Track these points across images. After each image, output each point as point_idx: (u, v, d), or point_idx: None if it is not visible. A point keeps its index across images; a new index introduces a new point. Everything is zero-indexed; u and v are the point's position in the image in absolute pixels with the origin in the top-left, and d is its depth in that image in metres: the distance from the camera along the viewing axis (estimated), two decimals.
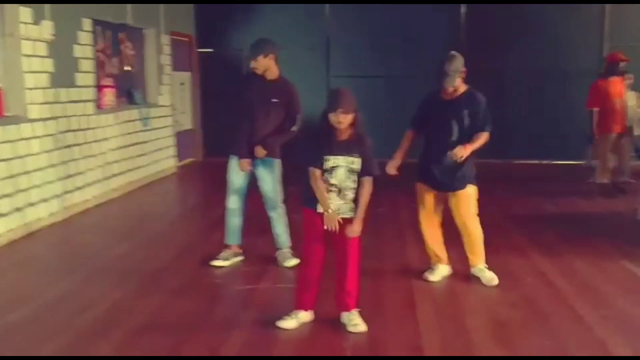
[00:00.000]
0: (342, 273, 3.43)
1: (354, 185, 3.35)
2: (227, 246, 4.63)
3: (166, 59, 8.75)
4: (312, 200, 3.37)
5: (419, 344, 3.28)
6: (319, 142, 3.35)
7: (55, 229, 5.76)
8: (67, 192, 6.17)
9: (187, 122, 9.77)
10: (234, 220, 4.59)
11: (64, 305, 3.86)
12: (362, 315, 3.47)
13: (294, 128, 4.41)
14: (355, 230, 3.34)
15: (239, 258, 4.64)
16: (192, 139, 9.94)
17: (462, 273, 4.31)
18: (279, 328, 3.41)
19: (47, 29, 5.80)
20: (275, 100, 4.37)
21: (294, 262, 4.43)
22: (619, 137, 7.06)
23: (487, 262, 4.28)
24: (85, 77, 6.58)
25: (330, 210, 3.30)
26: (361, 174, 3.36)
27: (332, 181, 3.33)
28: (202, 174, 9.36)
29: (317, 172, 3.33)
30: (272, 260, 4.60)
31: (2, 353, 3.20)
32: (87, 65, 6.63)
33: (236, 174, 4.50)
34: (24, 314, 3.69)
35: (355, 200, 3.37)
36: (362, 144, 3.34)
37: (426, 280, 4.21)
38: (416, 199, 4.27)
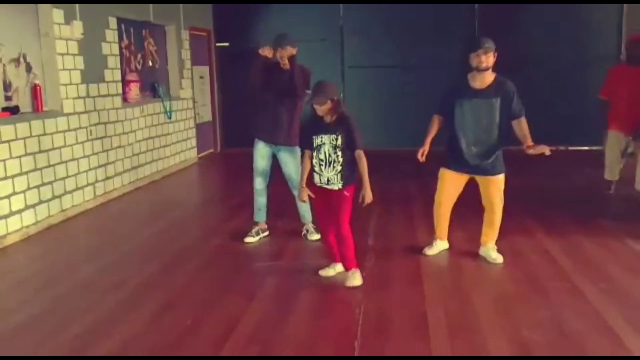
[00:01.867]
0: (338, 237, 4.02)
1: (340, 159, 3.90)
2: (255, 223, 5.16)
3: (186, 54, 9.10)
4: (310, 178, 4.05)
5: (424, 312, 3.60)
6: (309, 126, 4.01)
7: (89, 215, 6.18)
8: (98, 181, 6.58)
9: (206, 114, 10.14)
10: (261, 199, 5.12)
11: (99, 282, 4.27)
12: (369, 287, 3.94)
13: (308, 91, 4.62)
14: (368, 195, 3.91)
15: (266, 234, 5.19)
16: (211, 130, 10.31)
17: (468, 252, 4.64)
18: (319, 275, 4.21)
19: (77, 28, 6.17)
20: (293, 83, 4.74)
21: (315, 236, 5.00)
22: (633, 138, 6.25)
23: (499, 244, 4.57)
24: (113, 72, 6.96)
25: (301, 186, 4.07)
26: (351, 149, 3.89)
27: (320, 156, 3.93)
28: (221, 164, 9.73)
29: (307, 152, 4.02)
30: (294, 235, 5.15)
31: (52, 322, 3.59)
32: (114, 61, 7.00)
33: (261, 158, 5.02)
34: (66, 288, 4.10)
35: (348, 174, 3.94)
36: (344, 123, 3.90)
37: (425, 255, 4.59)
38: (439, 183, 4.52)
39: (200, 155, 9.64)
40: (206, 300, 3.90)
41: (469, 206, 4.77)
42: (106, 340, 3.34)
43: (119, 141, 7.06)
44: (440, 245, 4.67)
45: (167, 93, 8.45)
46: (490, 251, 4.51)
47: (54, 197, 5.78)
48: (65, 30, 6.01)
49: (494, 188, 4.38)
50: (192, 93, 9.33)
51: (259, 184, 5.09)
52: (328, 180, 3.94)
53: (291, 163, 4.94)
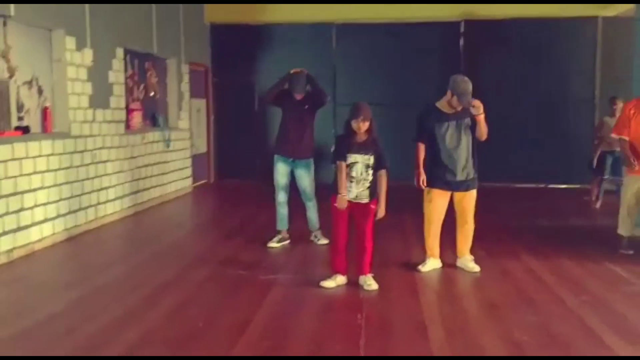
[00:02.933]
0: (361, 245, 4.36)
1: (370, 177, 4.28)
2: (278, 231, 5.77)
3: (185, 87, 9.46)
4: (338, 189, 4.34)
5: (422, 318, 3.86)
6: (344, 142, 4.33)
7: (89, 235, 6.35)
8: (100, 203, 6.78)
9: (202, 146, 10.43)
10: (283, 210, 5.73)
11: (111, 289, 4.48)
12: (369, 297, 4.25)
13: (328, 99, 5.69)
14: (381, 211, 4.32)
15: (287, 241, 5.76)
16: (206, 162, 10.59)
17: (454, 266, 5.01)
18: (321, 287, 4.41)
19: (87, 56, 6.50)
20: (307, 106, 5.60)
21: (324, 241, 5.60)
22: None
23: (483, 264, 4.95)
24: (118, 100, 7.27)
25: (342, 194, 4.29)
26: (377, 168, 4.29)
27: (352, 174, 4.29)
28: (216, 194, 9.97)
29: (343, 164, 4.29)
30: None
31: (93, 311, 3.77)
32: (119, 89, 7.32)
33: (281, 176, 5.70)
34: (87, 289, 4.30)
35: (374, 189, 4.32)
36: (376, 145, 4.30)
37: (419, 272, 4.88)
38: (425, 203, 4.91)
39: (194, 185, 9.88)
40: (219, 302, 4.16)
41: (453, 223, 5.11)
42: (126, 334, 3.54)
43: (121, 166, 7.30)
44: (433, 262, 4.97)
45: (166, 123, 8.76)
46: (468, 262, 4.92)
47: (58, 216, 5.96)
48: (76, 57, 6.33)
49: (470, 203, 4.86)
50: (190, 124, 9.65)
51: (281, 197, 5.73)
52: (356, 195, 4.32)
53: (306, 177, 5.65)
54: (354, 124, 4.24)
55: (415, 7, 9.82)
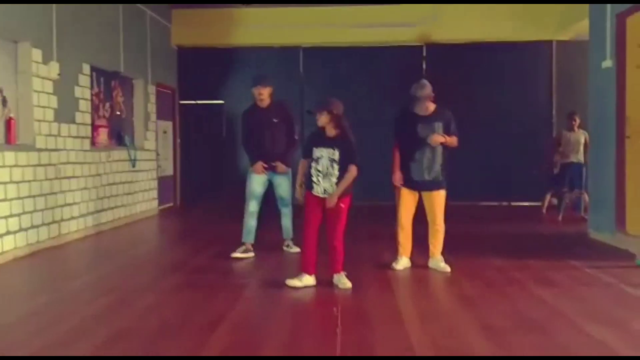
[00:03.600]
0: (331, 244, 4.34)
1: (336, 172, 4.28)
2: (243, 243, 5.59)
3: (152, 107, 9.42)
4: (309, 185, 4.36)
5: (397, 308, 3.89)
6: (312, 138, 4.40)
7: (53, 250, 6.16)
8: (64, 219, 6.61)
9: (168, 168, 10.34)
10: (252, 222, 5.60)
11: (81, 294, 4.33)
12: (344, 292, 4.23)
13: (296, 136, 5.66)
14: (331, 201, 4.27)
15: (252, 254, 5.58)
16: (172, 185, 10.48)
17: (426, 266, 5.09)
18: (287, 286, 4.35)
19: (54, 69, 6.43)
20: (275, 120, 5.52)
21: (296, 249, 5.49)
22: None
23: (452, 263, 5.03)
24: (83, 115, 7.18)
25: (299, 186, 4.46)
26: (346, 163, 4.29)
27: (319, 167, 4.31)
28: (183, 216, 9.82)
29: (304, 162, 4.41)
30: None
31: (62, 314, 3.62)
32: (85, 105, 7.24)
33: (257, 184, 5.58)
34: (44, 301, 4.15)
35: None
36: (344, 141, 4.32)
37: (393, 269, 4.96)
38: (398, 202, 5.05)
39: (160, 208, 9.73)
40: (191, 304, 4.08)
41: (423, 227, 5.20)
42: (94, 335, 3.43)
43: (85, 183, 7.16)
44: (405, 261, 5.04)
45: (132, 142, 8.67)
46: (439, 262, 5.02)
47: (20, 230, 5.78)
48: (42, 69, 6.26)
49: (438, 202, 4.97)
50: (156, 145, 9.57)
51: (253, 206, 5.59)
52: (324, 190, 4.32)
53: (285, 184, 5.61)
54: (316, 117, 4.34)
55: (380, 32, 10.13)
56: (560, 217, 8.21)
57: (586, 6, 7.12)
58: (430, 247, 5.06)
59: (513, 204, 10.29)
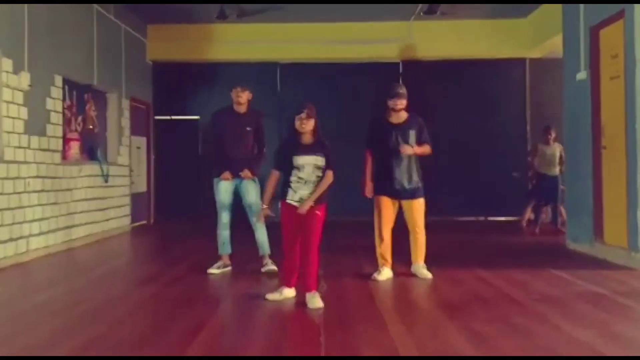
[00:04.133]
0: (305, 257, 4.08)
1: (317, 179, 4.10)
2: (219, 257, 5.37)
3: (126, 122, 9.25)
4: (284, 193, 4.13)
5: (380, 314, 3.80)
6: (287, 148, 4.15)
7: (21, 266, 5.91)
8: (32, 235, 6.37)
9: (141, 185, 10.13)
10: (225, 232, 5.39)
11: (53, 304, 4.13)
12: (327, 302, 4.05)
13: (265, 149, 5.38)
14: (302, 207, 4.03)
15: (229, 268, 5.38)
16: (146, 202, 10.26)
17: (407, 274, 5.04)
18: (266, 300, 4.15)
19: (25, 79, 6.26)
20: (248, 128, 5.31)
21: (274, 267, 5.22)
22: None
23: (434, 272, 5.00)
24: (55, 128, 6.99)
25: (265, 206, 4.27)
26: (325, 168, 4.13)
27: (302, 175, 4.08)
28: (156, 234, 9.59)
29: (277, 173, 4.20)
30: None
31: (34, 323, 3.42)
32: (57, 118, 7.06)
33: (225, 193, 5.33)
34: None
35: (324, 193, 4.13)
36: (324, 146, 4.15)
37: (374, 280, 4.87)
38: (375, 211, 4.98)
39: (133, 225, 9.50)
40: (168, 312, 3.93)
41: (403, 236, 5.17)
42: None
43: (56, 197, 6.94)
44: (387, 272, 4.97)
45: (104, 157, 8.48)
46: (421, 269, 4.99)
47: None
48: (12, 80, 6.09)
49: (418, 210, 4.95)
50: (130, 161, 9.38)
51: (225, 217, 5.37)
52: (301, 198, 4.06)
53: (254, 191, 5.34)
54: (296, 122, 4.07)
55: (357, 48, 10.19)
56: (537, 230, 8.25)
57: (558, 23, 7.26)
58: (412, 254, 5.03)
59: (490, 218, 10.33)
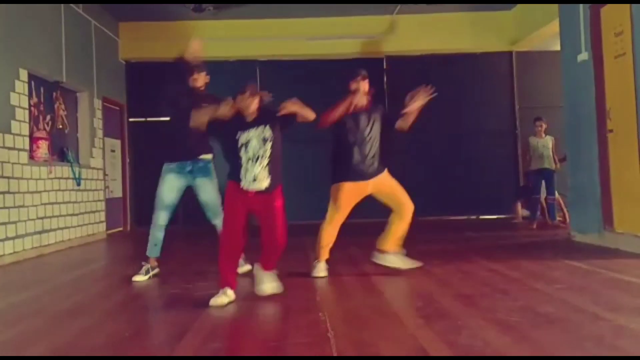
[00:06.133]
0: (273, 241, 3.70)
1: (268, 152, 3.66)
2: (147, 259, 4.70)
3: (98, 123, 8.72)
4: (234, 174, 3.67)
5: (393, 310, 3.38)
6: (230, 124, 3.70)
7: None
8: None
9: (117, 189, 9.57)
10: (160, 234, 4.69)
11: (30, 304, 3.60)
12: (327, 298, 3.76)
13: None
14: (287, 105, 3.66)
15: (156, 271, 4.71)
16: (122, 207, 9.70)
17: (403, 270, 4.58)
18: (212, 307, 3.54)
19: None
20: (205, 105, 4.55)
21: (246, 268, 4.55)
22: None
23: (440, 268, 4.65)
24: (21, 125, 6.45)
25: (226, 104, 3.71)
26: (285, 131, 3.75)
27: (249, 154, 3.64)
28: (134, 240, 9.03)
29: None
30: None
31: (10, 321, 2.91)
32: (22, 114, 6.52)
33: (170, 190, 4.60)
34: None
35: (275, 172, 3.71)
36: (268, 114, 3.72)
37: (317, 277, 4.45)
38: (334, 200, 4.53)
39: (108, 232, 8.93)
40: (153, 311, 3.49)
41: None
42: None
43: (23, 200, 6.38)
44: (324, 266, 4.57)
45: (76, 159, 7.93)
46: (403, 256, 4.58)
47: None
48: None
49: (392, 182, 4.56)
50: (103, 164, 8.83)
51: (162, 219, 4.63)
52: (254, 178, 3.63)
53: (209, 187, 4.61)
54: (239, 101, 3.67)
55: (339, 44, 9.85)
56: (534, 225, 7.93)
57: (543, 15, 7.00)
58: (389, 243, 4.54)
59: (481, 217, 10.00)
